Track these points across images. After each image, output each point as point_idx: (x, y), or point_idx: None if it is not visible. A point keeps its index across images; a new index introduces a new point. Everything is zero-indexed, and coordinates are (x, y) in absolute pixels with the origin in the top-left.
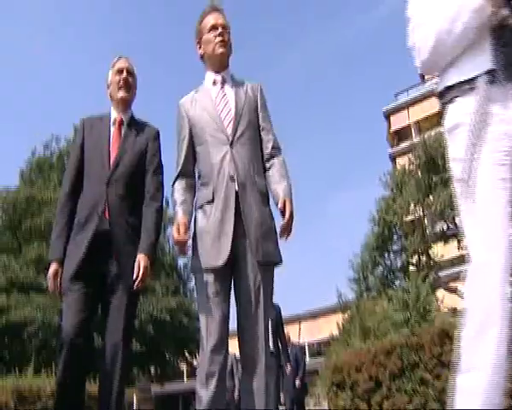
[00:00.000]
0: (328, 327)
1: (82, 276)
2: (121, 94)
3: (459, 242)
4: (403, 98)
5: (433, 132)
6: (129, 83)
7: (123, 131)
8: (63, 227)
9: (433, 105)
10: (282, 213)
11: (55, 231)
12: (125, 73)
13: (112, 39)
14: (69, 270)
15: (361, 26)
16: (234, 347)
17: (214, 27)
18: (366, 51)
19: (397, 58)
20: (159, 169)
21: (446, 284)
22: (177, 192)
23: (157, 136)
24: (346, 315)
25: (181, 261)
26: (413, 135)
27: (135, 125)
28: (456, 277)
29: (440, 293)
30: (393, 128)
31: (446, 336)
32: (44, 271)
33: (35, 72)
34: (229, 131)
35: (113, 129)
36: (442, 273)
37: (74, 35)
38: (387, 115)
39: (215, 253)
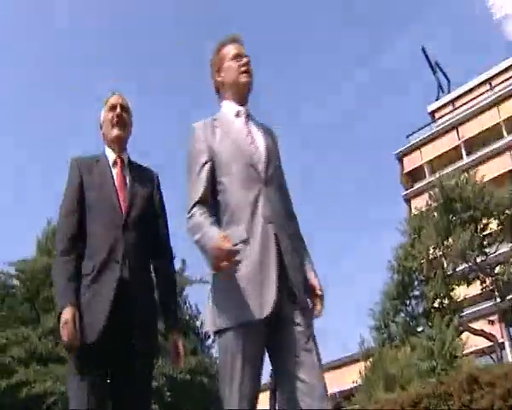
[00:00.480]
0: (349, 377)
1: (107, 337)
2: (116, 132)
3: (482, 283)
4: (414, 139)
5: (447, 170)
6: (123, 119)
7: (127, 174)
8: (74, 272)
9: (444, 143)
10: (314, 294)
11: (61, 275)
12: (118, 109)
13: None
14: (93, 324)
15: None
16: None
17: (239, 56)
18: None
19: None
20: (166, 217)
21: (469, 326)
22: (200, 216)
23: (159, 181)
24: (369, 363)
25: (198, 322)
26: (426, 175)
27: (135, 168)
28: (478, 315)
29: (465, 335)
30: (406, 170)
31: (475, 382)
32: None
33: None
34: (261, 168)
35: (114, 170)
36: (465, 312)
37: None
38: (400, 158)
39: (258, 303)
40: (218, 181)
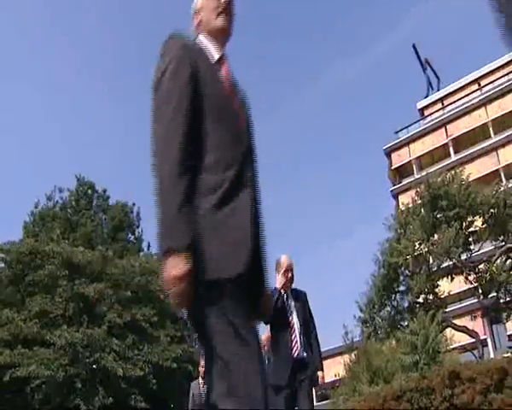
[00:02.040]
0: (333, 370)
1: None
2: (222, 22)
3: (466, 278)
4: (403, 135)
5: (435, 168)
6: (231, 9)
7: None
8: (188, 196)
9: (434, 140)
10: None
11: (173, 198)
12: None
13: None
14: (232, 264)
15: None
16: None
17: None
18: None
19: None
20: None
21: (453, 322)
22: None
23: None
24: (353, 356)
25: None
26: (414, 171)
27: None
28: (462, 312)
29: (448, 330)
30: (395, 165)
31: (457, 378)
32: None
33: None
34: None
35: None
36: (449, 309)
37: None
38: (388, 153)
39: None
40: None
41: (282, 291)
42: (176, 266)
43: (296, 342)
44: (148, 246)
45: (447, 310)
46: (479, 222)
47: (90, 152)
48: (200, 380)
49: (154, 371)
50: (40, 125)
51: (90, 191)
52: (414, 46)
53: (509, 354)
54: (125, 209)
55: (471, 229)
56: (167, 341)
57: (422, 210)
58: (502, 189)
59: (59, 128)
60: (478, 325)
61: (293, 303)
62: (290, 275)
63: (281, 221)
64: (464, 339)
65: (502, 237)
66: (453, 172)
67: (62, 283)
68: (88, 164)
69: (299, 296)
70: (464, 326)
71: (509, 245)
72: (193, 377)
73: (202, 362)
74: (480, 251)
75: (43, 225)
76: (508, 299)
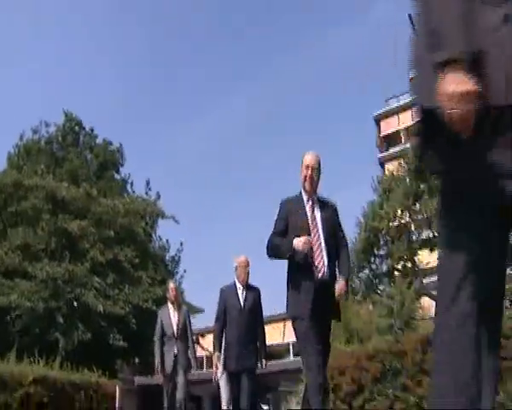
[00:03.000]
0: None
1: None
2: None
3: None
4: (393, 104)
5: None
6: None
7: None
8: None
9: None
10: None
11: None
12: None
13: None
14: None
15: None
16: None
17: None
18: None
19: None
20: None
21: (431, 292)
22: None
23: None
24: None
25: (168, 254)
26: (403, 141)
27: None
28: None
29: (424, 300)
30: (383, 133)
31: (428, 344)
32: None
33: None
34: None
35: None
36: (427, 280)
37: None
38: (377, 120)
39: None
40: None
41: (306, 196)
42: (462, 81)
43: (321, 260)
44: (132, 185)
45: (426, 281)
46: None
47: (80, 88)
48: (170, 305)
49: (135, 311)
50: (30, 55)
51: (77, 128)
52: (409, 16)
53: None
54: (112, 149)
55: None
56: (148, 282)
57: (407, 179)
58: None
59: (48, 58)
60: None
61: (319, 213)
62: (313, 174)
63: (271, 187)
64: None
65: None
66: None
67: (45, 217)
68: (77, 102)
69: (327, 206)
70: None
71: None
72: None
73: (172, 285)
74: None
75: (28, 158)
76: None
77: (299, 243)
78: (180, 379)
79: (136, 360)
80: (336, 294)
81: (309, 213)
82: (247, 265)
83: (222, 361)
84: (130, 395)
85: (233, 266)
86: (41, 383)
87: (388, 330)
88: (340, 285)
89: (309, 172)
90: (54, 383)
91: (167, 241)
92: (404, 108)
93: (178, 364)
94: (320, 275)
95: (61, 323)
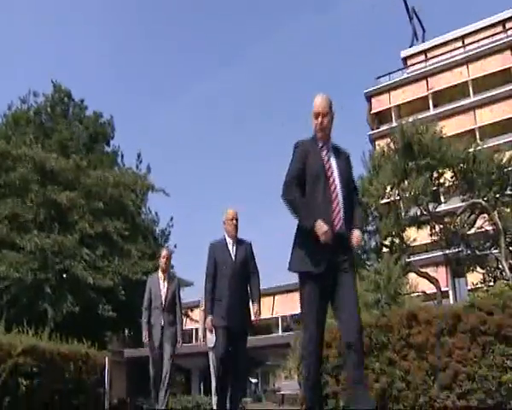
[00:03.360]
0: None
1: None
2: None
3: (431, 228)
4: (385, 81)
5: (411, 118)
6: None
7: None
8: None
9: (414, 91)
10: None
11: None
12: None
13: None
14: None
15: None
16: None
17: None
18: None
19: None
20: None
21: (417, 269)
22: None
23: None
24: None
25: (158, 228)
26: (393, 118)
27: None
28: (428, 262)
29: (411, 277)
30: (374, 110)
31: (414, 319)
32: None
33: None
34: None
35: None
36: (414, 258)
37: None
38: (369, 97)
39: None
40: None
41: (320, 143)
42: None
43: (338, 212)
44: (122, 157)
45: (414, 259)
46: (448, 175)
47: (70, 59)
48: (160, 274)
49: (124, 282)
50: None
51: (66, 99)
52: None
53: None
54: (102, 121)
55: (441, 181)
56: (138, 256)
57: (396, 156)
58: (474, 147)
59: (40, 28)
60: (441, 277)
61: (334, 161)
62: (324, 121)
63: (259, 163)
64: (428, 288)
65: (469, 193)
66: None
67: (34, 187)
68: (68, 73)
69: (341, 154)
70: (426, 272)
71: (474, 200)
72: None
73: (164, 252)
74: (448, 206)
75: (16, 128)
76: (469, 252)
77: (322, 230)
78: (166, 352)
79: (126, 333)
80: (354, 242)
81: (325, 161)
82: (235, 218)
83: (213, 321)
84: (119, 367)
85: (221, 220)
86: (30, 354)
87: (375, 305)
88: (355, 234)
89: (319, 119)
90: (43, 354)
91: (156, 214)
92: (395, 87)
93: (164, 336)
94: (337, 228)
95: (49, 294)
